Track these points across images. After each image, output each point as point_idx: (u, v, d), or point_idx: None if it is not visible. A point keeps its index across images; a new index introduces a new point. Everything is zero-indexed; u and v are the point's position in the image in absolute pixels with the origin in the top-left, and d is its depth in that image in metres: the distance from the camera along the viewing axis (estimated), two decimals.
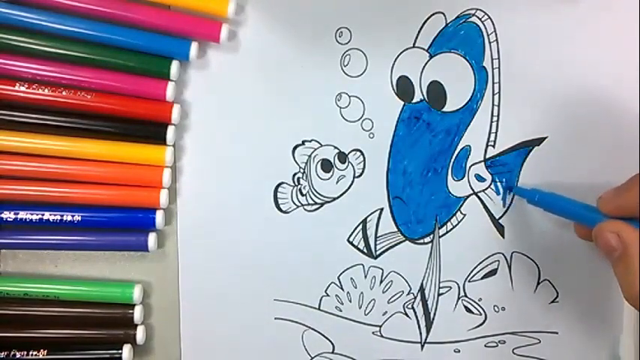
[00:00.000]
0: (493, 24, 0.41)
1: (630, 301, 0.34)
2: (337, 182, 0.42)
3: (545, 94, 0.41)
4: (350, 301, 0.42)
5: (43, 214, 0.40)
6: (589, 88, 0.41)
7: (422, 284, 0.42)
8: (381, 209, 0.42)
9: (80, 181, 0.40)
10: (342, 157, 0.42)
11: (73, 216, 0.40)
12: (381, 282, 0.42)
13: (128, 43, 0.39)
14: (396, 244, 0.42)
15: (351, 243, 0.42)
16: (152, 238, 0.41)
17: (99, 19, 0.39)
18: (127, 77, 0.40)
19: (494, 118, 0.41)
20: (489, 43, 0.41)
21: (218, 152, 0.41)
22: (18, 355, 0.40)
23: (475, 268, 0.42)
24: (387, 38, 0.41)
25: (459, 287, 0.42)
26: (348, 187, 0.42)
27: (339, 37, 0.41)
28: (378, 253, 0.42)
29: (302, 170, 0.42)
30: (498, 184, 0.42)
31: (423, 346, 0.43)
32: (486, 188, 0.42)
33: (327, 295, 0.42)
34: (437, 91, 0.41)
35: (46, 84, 0.39)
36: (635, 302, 0.34)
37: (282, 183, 0.42)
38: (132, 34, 0.39)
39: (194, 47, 0.40)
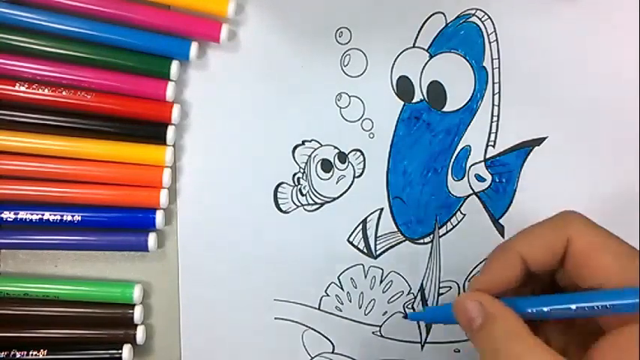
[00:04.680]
0: (493, 24, 0.41)
1: None
2: (337, 182, 0.42)
3: (545, 94, 0.41)
4: (350, 301, 0.42)
5: (43, 214, 0.40)
6: (589, 88, 0.41)
7: (422, 284, 0.42)
8: (381, 209, 0.42)
9: (80, 181, 0.40)
10: (342, 157, 0.42)
11: (73, 216, 0.40)
12: (381, 282, 0.42)
13: (128, 43, 0.39)
14: (396, 244, 0.42)
15: (351, 243, 0.42)
16: (152, 238, 0.41)
17: (99, 19, 0.39)
18: (127, 77, 0.40)
19: (494, 118, 0.41)
20: (489, 43, 0.41)
21: (218, 152, 0.41)
22: (18, 355, 0.40)
23: (475, 268, 0.42)
24: (387, 38, 0.41)
25: (459, 287, 0.42)
26: (348, 187, 0.42)
27: (339, 37, 0.41)
28: (378, 253, 0.42)
29: (302, 170, 0.42)
30: (498, 184, 0.42)
31: (423, 346, 0.43)
32: (486, 188, 0.42)
33: (327, 295, 0.42)
34: (437, 91, 0.41)
35: (46, 84, 0.39)
36: None
37: (282, 183, 0.42)
38: (132, 34, 0.39)
39: (194, 47, 0.40)
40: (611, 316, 0.32)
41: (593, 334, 0.33)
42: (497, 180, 0.42)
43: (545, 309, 0.33)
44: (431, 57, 0.41)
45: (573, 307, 0.32)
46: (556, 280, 0.36)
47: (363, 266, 0.42)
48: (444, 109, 0.41)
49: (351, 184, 0.42)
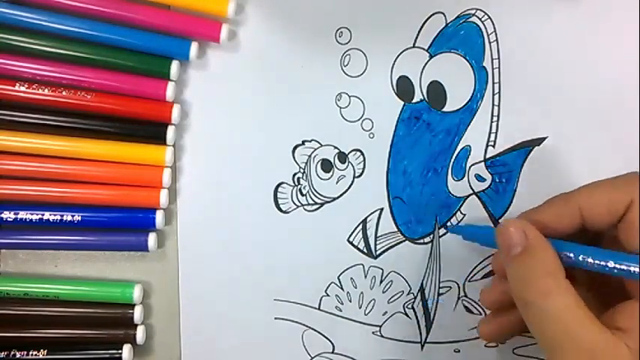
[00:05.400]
0: (493, 24, 0.41)
1: (521, 300, 0.33)
2: (337, 182, 0.42)
3: (546, 94, 0.41)
4: (350, 301, 0.42)
5: (43, 214, 0.40)
6: (589, 88, 0.41)
7: (422, 284, 0.42)
8: (381, 209, 0.42)
9: (80, 181, 0.40)
10: (342, 157, 0.42)
11: (73, 216, 0.40)
12: (381, 282, 0.42)
13: (128, 43, 0.39)
14: (396, 244, 0.42)
15: (351, 243, 0.42)
16: (152, 238, 0.41)
17: (99, 19, 0.39)
18: (127, 77, 0.40)
19: (494, 118, 0.41)
20: (489, 43, 0.41)
21: (218, 152, 0.41)
22: (18, 355, 0.40)
23: (475, 268, 0.42)
24: (387, 38, 0.41)
25: (458, 287, 0.42)
26: (348, 187, 0.42)
27: (339, 37, 0.41)
28: (378, 253, 0.42)
29: (302, 170, 0.42)
30: (498, 184, 0.42)
31: (423, 346, 0.43)
32: (486, 188, 0.42)
33: (327, 295, 0.42)
34: (437, 91, 0.41)
35: (46, 84, 0.39)
36: (526, 302, 0.33)
37: (282, 183, 0.42)
38: (132, 34, 0.39)
39: (194, 47, 0.40)
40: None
41: (618, 297, 0.33)
42: (497, 180, 0.42)
43: (581, 257, 0.33)
44: (431, 57, 0.41)
45: (611, 264, 0.33)
46: (603, 240, 0.36)
47: (363, 266, 0.42)
48: (444, 109, 0.41)
49: (351, 184, 0.42)
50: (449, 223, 0.42)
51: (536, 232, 0.34)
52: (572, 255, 0.34)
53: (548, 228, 0.35)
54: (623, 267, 0.32)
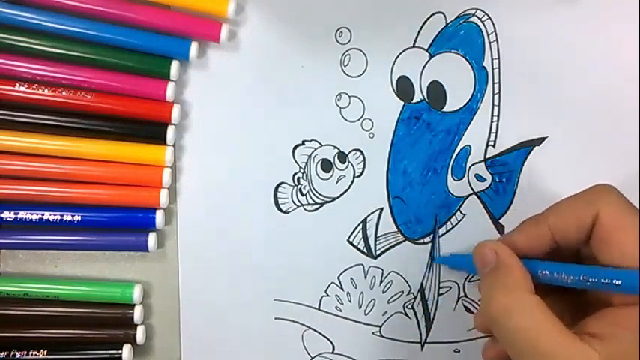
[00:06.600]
0: (493, 24, 0.41)
1: (486, 316, 0.34)
2: (337, 182, 0.42)
3: (545, 94, 0.41)
4: (350, 301, 0.42)
5: (43, 214, 0.40)
6: (589, 88, 0.41)
7: (422, 284, 0.42)
8: (381, 209, 0.42)
9: (80, 181, 0.40)
10: (342, 157, 0.42)
11: (73, 216, 0.40)
12: (381, 282, 0.42)
13: (128, 43, 0.39)
14: (396, 244, 0.42)
15: (351, 243, 0.42)
16: (152, 238, 0.41)
17: (99, 19, 0.39)
18: (127, 77, 0.40)
19: (495, 118, 0.41)
20: (489, 43, 0.41)
21: (218, 152, 0.41)
22: (18, 355, 0.40)
23: None
24: (387, 38, 0.41)
25: (458, 287, 0.42)
26: (348, 187, 0.42)
27: (339, 37, 0.41)
28: (378, 253, 0.42)
29: (302, 170, 0.42)
30: (498, 184, 0.42)
31: (423, 346, 0.43)
32: (486, 188, 0.42)
33: (327, 295, 0.42)
34: (437, 91, 0.41)
35: (46, 84, 0.39)
36: (490, 319, 0.33)
37: (282, 183, 0.42)
38: (132, 34, 0.39)
39: (194, 47, 0.40)
40: (616, 293, 0.33)
41: (594, 305, 0.33)
42: (497, 180, 0.42)
43: (555, 274, 0.34)
44: (431, 57, 0.41)
45: (581, 277, 0.33)
46: (581, 256, 0.36)
47: (363, 266, 0.42)
48: (444, 109, 0.41)
49: (351, 184, 0.42)
50: (435, 254, 0.42)
51: (507, 250, 0.35)
52: (547, 272, 0.34)
53: (523, 250, 0.35)
54: (594, 280, 0.33)
